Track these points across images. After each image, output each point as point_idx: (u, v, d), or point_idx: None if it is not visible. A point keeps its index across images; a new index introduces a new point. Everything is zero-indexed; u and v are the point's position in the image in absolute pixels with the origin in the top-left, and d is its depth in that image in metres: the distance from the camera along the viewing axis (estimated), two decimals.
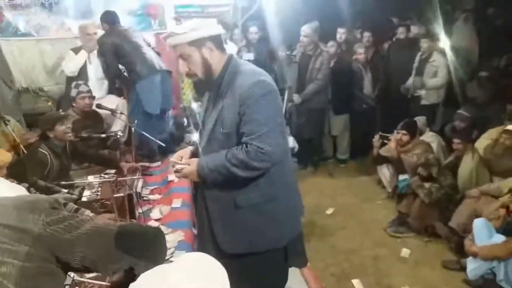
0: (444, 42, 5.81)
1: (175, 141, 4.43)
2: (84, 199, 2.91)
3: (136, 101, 4.06)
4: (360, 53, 5.52)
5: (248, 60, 5.21)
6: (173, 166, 2.20)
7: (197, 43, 2.04)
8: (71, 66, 4.49)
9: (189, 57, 2.07)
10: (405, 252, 3.88)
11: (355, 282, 3.53)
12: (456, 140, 4.30)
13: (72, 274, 2.06)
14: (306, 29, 5.20)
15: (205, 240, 2.31)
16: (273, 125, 2.01)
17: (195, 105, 4.66)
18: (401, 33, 5.71)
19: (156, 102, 4.06)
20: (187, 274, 1.09)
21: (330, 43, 5.45)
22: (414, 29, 5.89)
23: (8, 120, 3.69)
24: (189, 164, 2.13)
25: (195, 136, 4.15)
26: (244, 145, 1.99)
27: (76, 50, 4.58)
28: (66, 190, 2.64)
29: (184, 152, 2.36)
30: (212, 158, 2.07)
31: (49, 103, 4.78)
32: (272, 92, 2.05)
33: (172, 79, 4.54)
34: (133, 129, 3.81)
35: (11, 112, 3.89)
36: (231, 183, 2.08)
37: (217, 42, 2.08)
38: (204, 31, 2.03)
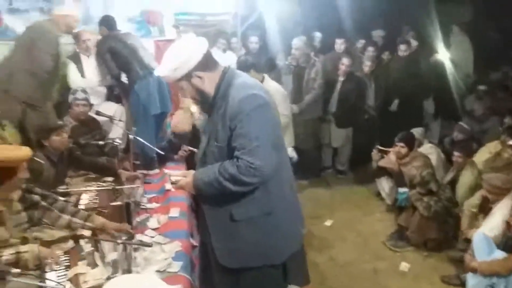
0: (443, 55, 5.85)
1: (174, 149, 4.38)
2: (81, 207, 2.87)
3: (137, 103, 4.04)
4: (367, 65, 5.57)
5: None
6: (170, 178, 2.19)
7: (184, 78, 2.02)
8: (79, 82, 4.46)
9: (183, 89, 2.07)
10: (404, 266, 3.85)
11: None
12: (456, 153, 4.29)
13: (67, 285, 2.02)
14: (296, 42, 5.27)
15: (209, 253, 2.28)
16: (264, 139, 1.96)
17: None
18: (403, 50, 5.65)
19: (155, 101, 4.04)
20: None
21: (345, 60, 5.37)
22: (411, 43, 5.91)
23: (5, 125, 3.64)
24: (185, 176, 2.12)
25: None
26: (235, 160, 1.96)
27: (73, 57, 4.56)
28: (63, 198, 2.59)
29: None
30: (206, 171, 2.05)
31: None
32: (263, 105, 2.00)
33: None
34: (131, 136, 3.77)
35: (8, 118, 3.84)
36: (227, 196, 2.04)
37: (204, 66, 2.03)
38: (185, 68, 1.99)
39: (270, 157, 1.97)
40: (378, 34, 6.44)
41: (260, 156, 1.93)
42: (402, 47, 5.64)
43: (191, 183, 2.07)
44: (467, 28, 6.36)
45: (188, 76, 2.01)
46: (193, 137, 4.08)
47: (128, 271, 2.20)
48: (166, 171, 2.28)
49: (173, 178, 2.15)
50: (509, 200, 3.47)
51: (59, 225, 2.53)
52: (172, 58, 2.00)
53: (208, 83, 2.05)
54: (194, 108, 4.48)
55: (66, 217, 2.53)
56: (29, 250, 2.22)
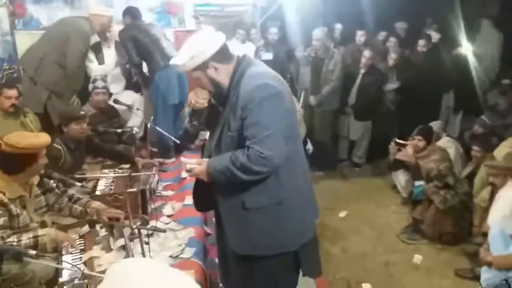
0: (466, 48, 5.73)
1: (190, 138, 4.45)
2: (97, 192, 2.96)
3: (156, 93, 4.10)
4: (392, 57, 5.51)
5: (267, 60, 5.27)
6: (185, 166, 2.21)
7: (200, 68, 2.05)
8: (100, 70, 4.56)
9: (198, 79, 2.11)
10: (417, 258, 3.83)
11: (366, 286, 3.49)
12: (475, 148, 4.23)
13: (82, 267, 2.09)
14: (317, 33, 5.23)
15: (225, 239, 2.32)
16: (275, 129, 1.97)
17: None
18: (422, 46, 5.55)
19: (174, 91, 4.11)
20: None
21: (366, 52, 5.32)
22: (433, 36, 5.80)
23: (27, 112, 3.76)
24: (200, 164, 2.14)
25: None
26: (246, 149, 1.98)
27: (95, 46, 4.64)
28: (80, 184, 2.67)
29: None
30: (220, 159, 2.08)
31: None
32: (275, 95, 2.01)
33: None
34: (148, 125, 3.84)
35: (31, 104, 3.96)
36: (240, 185, 2.07)
37: (220, 57, 2.06)
38: (202, 56, 2.02)
39: (280, 146, 1.99)
40: (401, 26, 6.36)
41: (269, 146, 1.94)
42: (421, 42, 5.55)
43: (205, 171, 2.10)
44: (497, 22, 6.21)
45: (204, 66, 2.04)
46: (210, 115, 4.15)
47: (140, 255, 2.25)
48: (182, 159, 2.31)
49: (188, 166, 2.18)
50: None
51: (64, 212, 2.63)
52: (189, 47, 2.04)
53: (223, 74, 2.08)
54: None
55: (70, 205, 2.63)
56: (46, 233, 2.31)
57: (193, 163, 2.18)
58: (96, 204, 2.62)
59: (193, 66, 2.04)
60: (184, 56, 2.03)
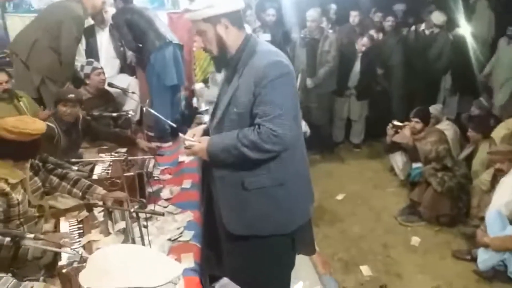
0: (465, 29, 5.68)
1: (186, 122, 4.41)
2: (94, 177, 2.93)
3: (152, 74, 4.05)
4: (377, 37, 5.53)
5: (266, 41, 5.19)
6: (184, 143, 2.17)
7: (212, 20, 1.99)
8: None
9: (204, 34, 2.04)
10: (415, 240, 3.85)
11: (364, 268, 3.52)
12: (470, 129, 4.24)
13: (80, 251, 2.07)
14: (312, 14, 5.18)
15: (215, 220, 2.31)
16: (287, 108, 1.96)
17: (198, 86, 4.69)
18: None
19: (172, 73, 4.05)
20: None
21: (364, 40, 5.36)
22: (439, 17, 5.73)
23: (21, 97, 3.69)
24: (199, 142, 2.11)
25: (206, 118, 4.16)
26: (256, 126, 1.95)
27: (88, 30, 4.55)
28: (76, 167, 2.63)
29: (197, 130, 2.34)
30: (223, 137, 2.05)
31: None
32: (288, 74, 2.00)
33: (184, 57, 4.51)
34: (144, 108, 3.79)
35: (26, 88, 3.90)
36: (240, 164, 2.05)
37: (234, 18, 2.02)
38: (219, 8, 1.97)
39: (291, 126, 1.97)
40: (398, 8, 6.30)
41: (282, 124, 1.93)
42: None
43: (205, 149, 2.06)
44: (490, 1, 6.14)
45: (216, 20, 1.99)
46: None
47: (134, 240, 2.22)
48: (181, 135, 2.25)
49: (187, 143, 2.14)
50: None
51: (61, 191, 2.58)
52: None
53: (232, 37, 2.03)
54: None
55: (66, 186, 2.57)
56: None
57: (192, 141, 2.15)
58: (99, 189, 2.57)
59: (207, 15, 1.98)
60: (201, 3, 1.98)
